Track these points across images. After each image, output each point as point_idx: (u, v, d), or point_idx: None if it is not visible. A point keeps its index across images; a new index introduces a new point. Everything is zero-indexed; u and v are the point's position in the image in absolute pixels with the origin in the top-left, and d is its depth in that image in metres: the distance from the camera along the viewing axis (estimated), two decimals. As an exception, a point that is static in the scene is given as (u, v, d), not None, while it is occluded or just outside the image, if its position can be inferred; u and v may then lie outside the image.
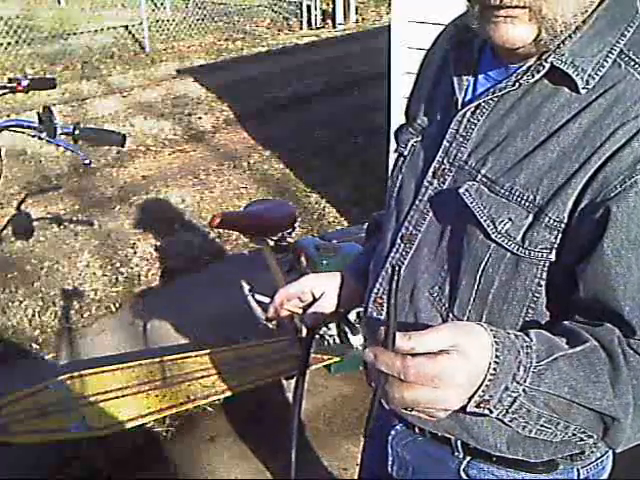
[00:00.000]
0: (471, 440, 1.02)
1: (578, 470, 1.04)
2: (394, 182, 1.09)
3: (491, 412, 0.79)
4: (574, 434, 0.84)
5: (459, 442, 1.05)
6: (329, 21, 10.79)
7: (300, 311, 1.20)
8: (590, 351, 0.81)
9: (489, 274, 0.92)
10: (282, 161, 5.31)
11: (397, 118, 3.38)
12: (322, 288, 1.18)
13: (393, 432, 1.17)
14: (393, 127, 3.44)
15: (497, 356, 0.76)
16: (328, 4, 10.96)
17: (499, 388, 0.77)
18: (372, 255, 1.16)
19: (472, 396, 0.78)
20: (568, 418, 0.82)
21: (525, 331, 0.83)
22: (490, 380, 0.76)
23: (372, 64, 7.00)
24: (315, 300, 1.17)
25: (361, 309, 1.16)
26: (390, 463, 1.20)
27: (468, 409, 0.78)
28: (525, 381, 0.77)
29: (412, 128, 1.07)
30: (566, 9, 0.83)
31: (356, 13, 11.08)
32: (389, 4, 3.52)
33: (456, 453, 1.06)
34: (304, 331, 1.20)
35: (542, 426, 0.82)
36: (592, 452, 1.03)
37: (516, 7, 0.83)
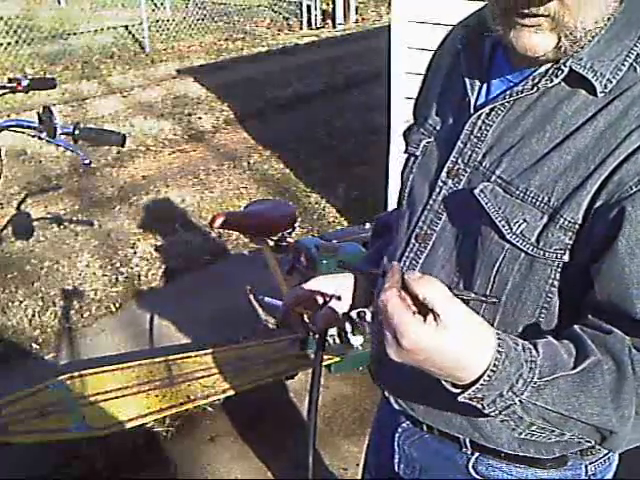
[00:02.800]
0: (482, 440, 1.02)
1: (586, 466, 1.05)
2: (405, 182, 1.09)
3: (483, 408, 0.80)
4: (571, 439, 0.86)
5: (467, 440, 1.05)
6: (329, 21, 10.79)
7: (311, 313, 1.19)
8: (594, 366, 0.81)
9: (503, 274, 0.93)
10: (282, 161, 5.31)
11: (397, 118, 3.38)
12: (333, 289, 1.17)
13: (400, 430, 1.17)
14: (393, 127, 3.44)
15: (495, 365, 0.77)
16: (328, 4, 10.96)
17: (493, 392, 0.78)
18: (380, 254, 1.16)
19: (464, 390, 0.79)
20: (564, 429, 0.83)
21: (534, 342, 0.83)
22: (482, 385, 0.77)
23: (372, 64, 7.00)
24: (326, 301, 1.17)
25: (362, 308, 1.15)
26: (397, 461, 1.20)
27: (460, 399, 0.79)
28: (522, 394, 0.78)
29: (423, 129, 1.07)
30: (588, 17, 0.84)
31: (356, 13, 11.08)
32: (389, 4, 3.52)
33: (464, 449, 1.07)
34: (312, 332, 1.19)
35: (534, 431, 0.84)
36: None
37: (541, 15, 0.83)
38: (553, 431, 0.83)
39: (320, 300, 1.17)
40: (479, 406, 0.80)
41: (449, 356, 0.76)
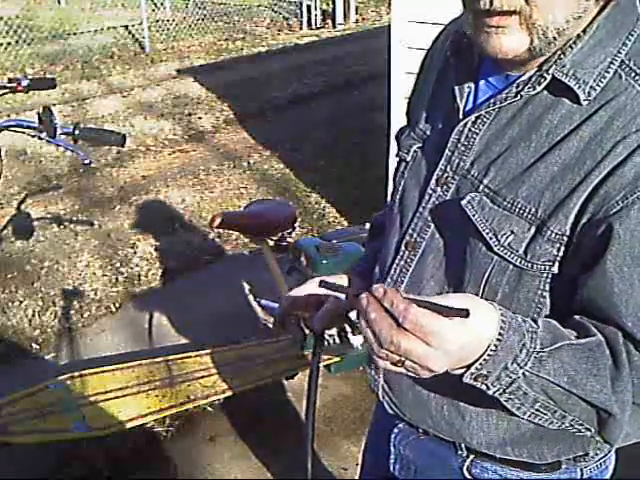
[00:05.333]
0: (474, 445, 1.03)
1: (581, 470, 1.05)
2: (397, 187, 1.08)
3: (488, 388, 0.79)
4: (571, 425, 0.84)
5: (462, 443, 1.05)
6: (329, 21, 10.79)
7: (307, 315, 1.18)
8: (595, 345, 0.82)
9: (492, 285, 0.93)
10: (282, 161, 5.31)
11: (397, 118, 3.38)
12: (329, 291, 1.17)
13: (395, 430, 1.17)
14: (393, 127, 3.44)
15: (500, 334, 0.76)
16: (328, 4, 10.96)
17: (498, 366, 0.77)
18: (376, 256, 1.15)
19: (469, 368, 0.78)
20: (565, 407, 0.82)
21: (533, 317, 0.83)
22: (489, 355, 0.76)
23: (372, 64, 7.01)
24: (322, 303, 1.16)
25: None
26: (392, 462, 1.20)
27: (464, 380, 0.79)
28: (526, 364, 0.78)
29: (414, 133, 1.07)
30: (557, 14, 0.82)
31: (356, 13, 11.08)
32: (389, 4, 3.52)
33: (459, 452, 1.07)
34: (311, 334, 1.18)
35: (537, 410, 0.82)
36: (596, 454, 1.04)
37: (506, 12, 0.82)
38: (555, 412, 0.82)
39: (315, 302, 1.16)
40: (483, 387, 0.79)
41: (476, 340, 0.76)
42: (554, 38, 0.84)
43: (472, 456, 1.06)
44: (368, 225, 2.89)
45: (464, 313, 0.73)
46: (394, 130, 3.41)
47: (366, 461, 1.37)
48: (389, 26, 3.36)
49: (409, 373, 0.78)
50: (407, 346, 0.74)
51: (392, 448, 1.19)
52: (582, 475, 1.05)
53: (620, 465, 1.15)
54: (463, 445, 1.06)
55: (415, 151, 1.05)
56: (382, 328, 0.75)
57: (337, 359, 2.76)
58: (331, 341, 2.19)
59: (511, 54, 0.86)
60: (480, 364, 0.77)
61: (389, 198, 1.12)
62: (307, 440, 1.12)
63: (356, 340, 2.81)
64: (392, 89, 3.41)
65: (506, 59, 0.88)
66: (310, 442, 1.12)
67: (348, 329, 1.20)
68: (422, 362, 0.75)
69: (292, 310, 1.19)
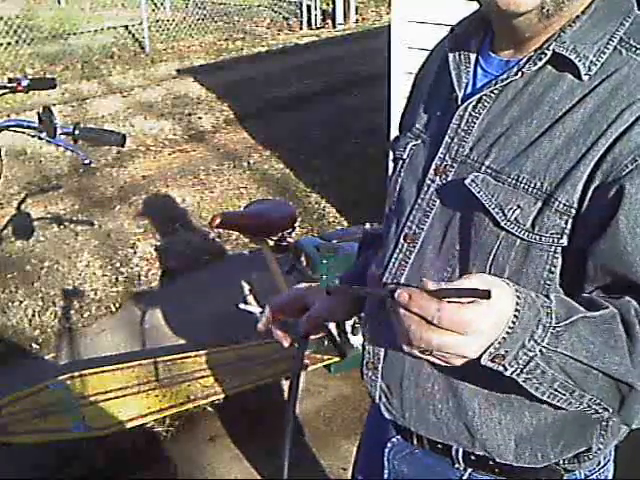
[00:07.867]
0: (477, 446, 1.00)
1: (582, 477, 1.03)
2: (394, 186, 1.08)
3: (505, 369, 0.78)
4: (589, 405, 0.83)
5: (460, 452, 1.03)
6: (329, 21, 10.78)
7: (292, 321, 1.19)
8: (610, 317, 0.81)
9: (499, 262, 0.91)
10: (282, 161, 5.31)
11: (397, 118, 3.36)
12: (313, 297, 1.17)
13: (390, 444, 1.14)
14: (393, 127, 3.44)
15: (517, 310, 0.75)
16: (328, 4, 10.96)
17: (516, 344, 0.76)
18: (366, 265, 1.16)
19: (487, 348, 0.76)
20: (584, 386, 0.81)
21: (545, 293, 0.82)
22: (507, 333, 0.75)
23: (372, 64, 7.00)
24: (307, 309, 1.16)
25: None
26: (386, 476, 1.17)
27: (482, 362, 0.77)
28: (543, 341, 0.76)
29: (410, 133, 1.07)
30: None
31: (356, 13, 11.07)
32: (389, 4, 3.52)
33: (457, 465, 1.04)
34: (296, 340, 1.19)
35: (556, 390, 0.81)
36: (599, 449, 1.01)
37: None
38: (574, 391, 0.81)
39: (300, 308, 1.17)
40: (500, 368, 0.78)
41: (503, 317, 0.75)
42: (562, 1, 0.86)
43: (470, 470, 1.04)
44: (369, 225, 2.89)
45: (486, 294, 0.73)
46: (394, 130, 3.41)
47: (359, 472, 1.32)
48: (389, 26, 3.36)
49: (437, 361, 0.78)
50: (438, 341, 0.74)
51: (386, 462, 1.16)
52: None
53: (619, 470, 1.15)
54: (460, 456, 1.03)
55: (412, 148, 1.05)
56: (410, 324, 0.75)
57: (337, 359, 2.76)
58: (325, 342, 2.19)
59: (523, 7, 0.85)
60: (499, 343, 0.76)
61: (387, 200, 1.11)
62: (285, 447, 1.12)
63: (356, 340, 2.81)
64: (392, 89, 3.41)
65: (511, 27, 0.88)
66: (288, 449, 1.12)
67: (334, 333, 1.21)
68: (457, 352, 0.75)
69: (277, 314, 1.19)
